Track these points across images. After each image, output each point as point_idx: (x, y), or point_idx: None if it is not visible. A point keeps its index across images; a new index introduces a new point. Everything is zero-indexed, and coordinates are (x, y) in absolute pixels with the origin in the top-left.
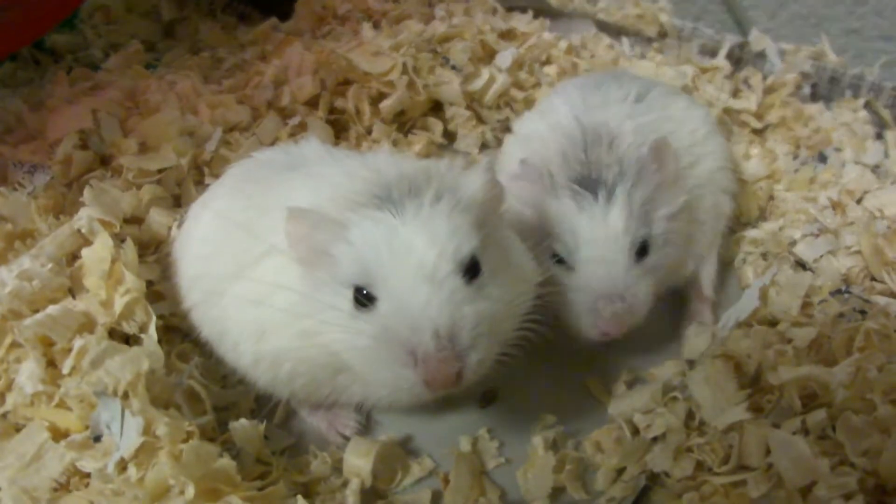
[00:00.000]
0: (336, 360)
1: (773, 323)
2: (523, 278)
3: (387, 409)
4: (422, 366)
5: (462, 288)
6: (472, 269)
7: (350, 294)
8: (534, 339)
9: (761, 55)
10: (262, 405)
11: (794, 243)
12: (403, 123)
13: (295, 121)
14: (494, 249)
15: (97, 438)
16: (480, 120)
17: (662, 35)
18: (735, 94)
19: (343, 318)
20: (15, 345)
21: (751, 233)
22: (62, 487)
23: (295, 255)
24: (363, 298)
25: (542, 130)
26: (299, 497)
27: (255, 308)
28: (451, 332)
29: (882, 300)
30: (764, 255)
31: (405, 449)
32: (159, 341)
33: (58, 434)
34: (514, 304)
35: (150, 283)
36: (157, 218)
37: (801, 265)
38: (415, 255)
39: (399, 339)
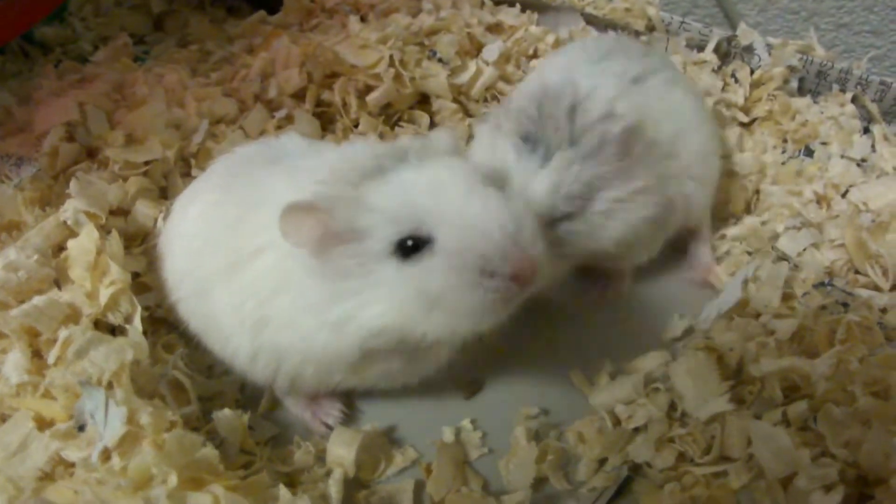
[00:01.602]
0: (373, 336)
1: (755, 315)
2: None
3: (374, 399)
4: (505, 263)
5: (501, 194)
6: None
7: (390, 259)
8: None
9: (749, 49)
10: (247, 396)
11: (776, 237)
12: (390, 116)
13: (281, 113)
14: None
15: (81, 428)
16: (467, 113)
17: (650, 29)
18: (723, 87)
19: (390, 285)
20: (0, 335)
21: (734, 227)
22: (47, 476)
23: (306, 249)
24: (413, 245)
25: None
26: (282, 486)
27: (254, 304)
28: (516, 225)
29: (865, 293)
30: (748, 250)
31: (388, 439)
32: (144, 332)
33: (43, 424)
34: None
35: (135, 275)
36: (144, 210)
37: (784, 259)
38: (448, 183)
39: (475, 251)
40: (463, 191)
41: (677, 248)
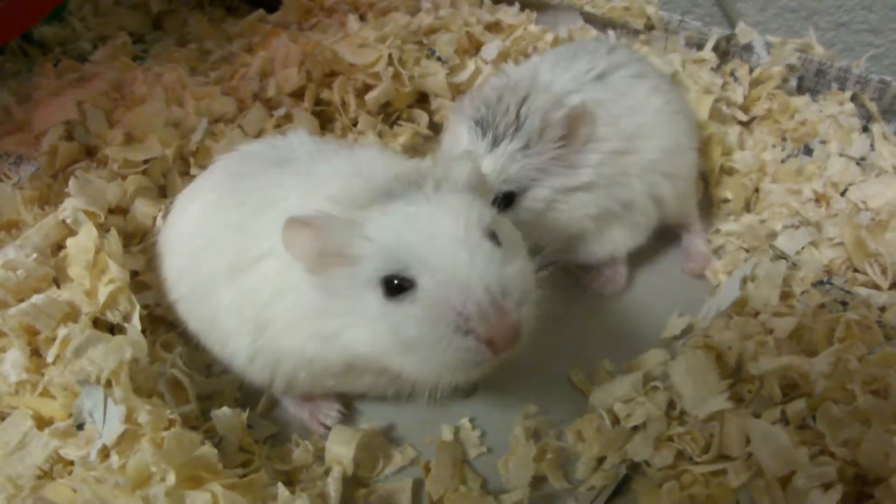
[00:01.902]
0: (355, 357)
1: (754, 314)
2: (524, 250)
3: (372, 398)
4: (482, 325)
5: (496, 250)
6: (493, 239)
7: (376, 291)
8: None
9: (748, 48)
10: (246, 395)
11: (774, 235)
12: (389, 115)
13: (280, 112)
14: (499, 225)
15: (80, 426)
16: None
17: (649, 27)
18: (722, 86)
19: (372, 317)
20: None
21: (732, 225)
22: (46, 475)
23: (302, 264)
24: (398, 285)
25: None
26: (280, 485)
27: (255, 307)
28: (501, 288)
29: (864, 291)
30: (746, 248)
31: (387, 437)
32: (143, 331)
33: (42, 422)
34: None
35: (134, 274)
36: (142, 208)
37: (782, 258)
38: (443, 230)
39: (452, 307)
40: (455, 240)
41: (677, 247)
